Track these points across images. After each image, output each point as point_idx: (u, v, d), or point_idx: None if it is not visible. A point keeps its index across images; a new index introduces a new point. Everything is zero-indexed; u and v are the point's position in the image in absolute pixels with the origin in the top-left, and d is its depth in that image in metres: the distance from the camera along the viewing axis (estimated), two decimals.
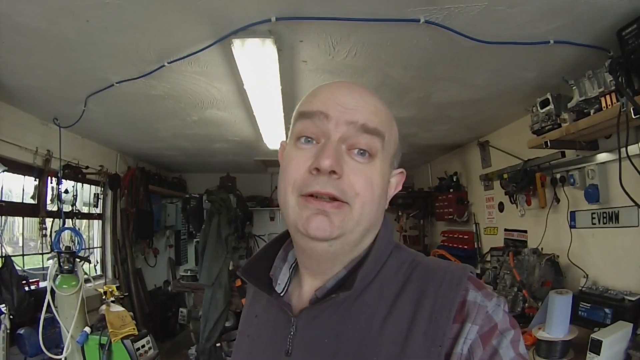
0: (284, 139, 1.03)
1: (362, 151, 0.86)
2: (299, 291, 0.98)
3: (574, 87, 2.84)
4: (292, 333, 0.89)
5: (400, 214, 7.07)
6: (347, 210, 0.84)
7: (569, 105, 2.92)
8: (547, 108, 3.15)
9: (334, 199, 0.83)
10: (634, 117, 2.32)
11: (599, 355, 2.37)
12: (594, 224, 3.29)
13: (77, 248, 3.91)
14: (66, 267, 3.48)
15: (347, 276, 0.91)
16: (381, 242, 0.93)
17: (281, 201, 0.90)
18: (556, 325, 2.71)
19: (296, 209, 0.86)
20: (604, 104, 2.65)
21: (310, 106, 0.89)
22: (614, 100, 2.55)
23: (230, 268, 5.28)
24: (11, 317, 3.29)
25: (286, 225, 0.94)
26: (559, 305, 2.73)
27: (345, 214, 0.84)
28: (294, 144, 0.89)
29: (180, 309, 5.87)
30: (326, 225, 0.83)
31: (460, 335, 0.78)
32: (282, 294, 0.99)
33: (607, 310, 2.84)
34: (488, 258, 4.78)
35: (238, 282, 5.12)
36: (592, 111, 2.76)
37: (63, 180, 4.53)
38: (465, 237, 5.67)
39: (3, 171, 3.52)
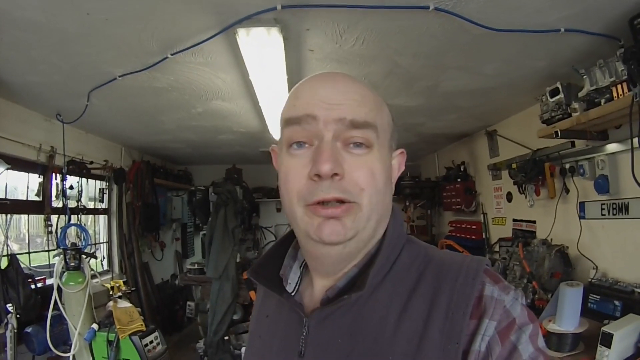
0: (274, 144, 1.01)
1: (358, 143, 0.84)
2: (310, 290, 0.96)
3: (584, 77, 2.81)
4: (304, 334, 0.88)
5: (407, 204, 7.06)
6: (357, 209, 0.83)
7: (580, 94, 2.89)
8: (557, 97, 3.11)
9: (340, 201, 0.81)
10: None
11: (609, 348, 2.35)
12: (604, 215, 3.26)
13: (83, 244, 3.90)
14: (72, 264, 3.49)
15: (358, 274, 0.89)
16: (391, 236, 0.91)
17: (287, 212, 0.89)
18: (567, 317, 2.70)
19: (305, 218, 0.84)
20: (615, 94, 2.63)
21: (295, 110, 0.86)
22: (626, 89, 2.53)
23: (238, 260, 5.30)
24: (18, 315, 3.29)
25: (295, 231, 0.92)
26: (570, 298, 2.72)
27: (356, 213, 0.83)
28: (286, 152, 0.88)
29: (188, 302, 5.89)
30: (339, 228, 0.82)
31: (477, 331, 0.76)
32: (293, 294, 0.97)
33: (616, 302, 2.85)
34: (496, 248, 4.75)
35: (245, 275, 5.12)
36: (602, 101, 2.74)
37: (68, 176, 4.51)
38: (473, 227, 5.66)
39: (6, 169, 3.49)
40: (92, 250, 4.62)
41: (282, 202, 0.89)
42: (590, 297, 3.02)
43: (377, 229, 0.89)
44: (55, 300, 3.39)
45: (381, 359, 0.78)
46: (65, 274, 3.50)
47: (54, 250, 4.17)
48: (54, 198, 4.38)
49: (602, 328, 2.43)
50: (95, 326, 3.49)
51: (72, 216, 4.60)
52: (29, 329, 3.41)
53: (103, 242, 5.87)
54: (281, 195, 0.89)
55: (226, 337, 4.94)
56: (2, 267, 3.41)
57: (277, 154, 0.97)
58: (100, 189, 5.63)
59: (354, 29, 2.57)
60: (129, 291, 4.23)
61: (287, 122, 0.87)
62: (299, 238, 0.92)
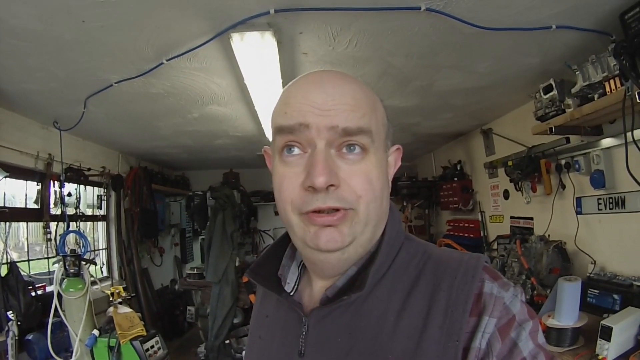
0: (267, 146, 0.99)
1: (352, 147, 0.82)
2: (309, 290, 0.96)
3: (577, 72, 2.82)
4: (304, 333, 0.87)
5: (405, 204, 7.05)
6: (353, 215, 0.82)
7: (573, 90, 2.90)
8: (551, 94, 3.12)
9: (337, 209, 0.80)
10: (639, 101, 2.30)
11: (609, 341, 2.36)
12: (600, 209, 3.28)
13: (82, 251, 3.91)
14: (72, 271, 3.49)
15: (357, 274, 0.88)
16: (390, 236, 0.90)
17: (283, 218, 0.88)
18: (566, 312, 2.70)
19: (301, 225, 0.84)
20: (608, 89, 2.64)
21: (286, 119, 0.83)
22: (618, 84, 2.54)
23: (237, 264, 5.28)
24: (19, 323, 3.29)
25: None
26: (568, 293, 2.72)
27: (352, 219, 0.82)
28: (279, 158, 0.86)
29: (188, 307, 5.87)
30: (336, 236, 0.81)
31: (477, 329, 0.75)
32: (292, 293, 0.96)
33: (615, 296, 2.86)
34: (495, 246, 4.76)
35: (245, 278, 5.12)
36: (596, 96, 2.75)
37: (65, 184, 4.52)
38: (471, 225, 5.66)
39: (5, 177, 3.50)
40: (92, 257, 4.63)
41: (278, 208, 0.89)
42: (589, 291, 3.02)
43: (375, 232, 0.88)
44: (56, 307, 3.39)
45: (381, 357, 0.78)
46: (65, 280, 3.50)
47: (53, 257, 4.17)
48: (52, 205, 4.39)
49: (601, 322, 2.44)
50: (96, 332, 3.49)
51: (71, 223, 4.60)
52: (30, 336, 3.41)
53: (102, 249, 5.87)
54: (276, 202, 0.89)
55: (227, 341, 4.93)
56: (2, 275, 3.41)
57: (270, 156, 0.96)
58: (98, 195, 5.64)
59: (346, 31, 2.58)
60: (129, 297, 4.22)
61: (279, 130, 0.85)
62: (296, 244, 0.91)
